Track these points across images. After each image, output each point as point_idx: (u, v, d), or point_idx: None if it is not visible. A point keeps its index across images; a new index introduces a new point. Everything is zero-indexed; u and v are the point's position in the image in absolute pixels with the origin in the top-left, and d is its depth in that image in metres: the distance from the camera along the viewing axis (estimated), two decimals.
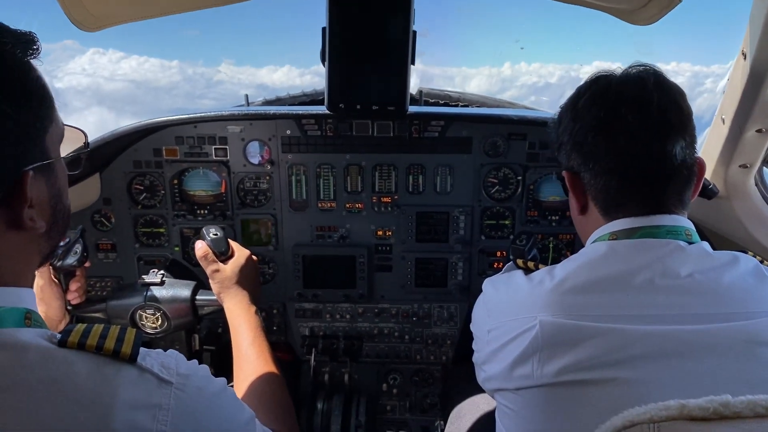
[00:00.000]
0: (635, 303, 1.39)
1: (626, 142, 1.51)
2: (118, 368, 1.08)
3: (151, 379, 1.11)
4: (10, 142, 1.06)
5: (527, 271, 1.69)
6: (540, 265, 1.70)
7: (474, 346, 1.78)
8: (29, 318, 1.13)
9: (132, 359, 1.10)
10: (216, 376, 1.32)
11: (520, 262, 1.77)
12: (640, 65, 1.57)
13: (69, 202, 1.31)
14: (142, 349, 1.13)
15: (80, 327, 1.11)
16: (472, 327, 1.80)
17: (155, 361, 1.15)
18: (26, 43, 1.11)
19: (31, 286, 1.24)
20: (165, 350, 1.25)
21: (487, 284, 1.76)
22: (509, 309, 1.56)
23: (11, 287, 1.13)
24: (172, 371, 1.16)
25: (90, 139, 1.60)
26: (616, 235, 1.56)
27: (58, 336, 1.09)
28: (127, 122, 2.74)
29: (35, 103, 1.13)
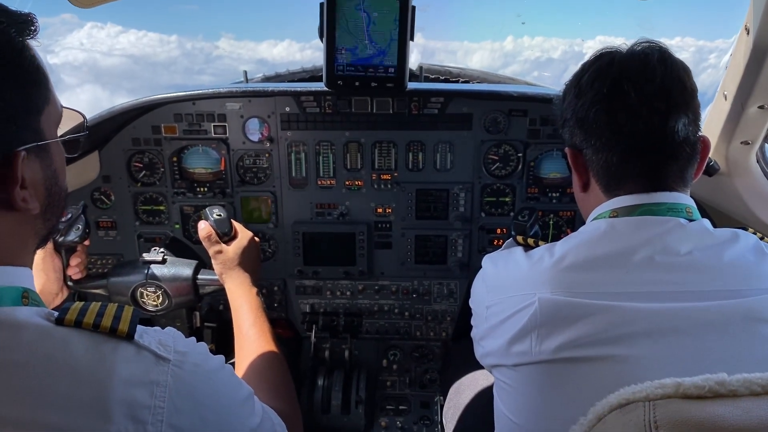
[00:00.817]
0: (635, 280, 1.39)
1: (628, 117, 1.50)
2: (115, 345, 1.09)
3: (149, 357, 1.12)
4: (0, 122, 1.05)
5: (527, 247, 1.69)
6: (540, 242, 1.70)
7: (473, 321, 1.79)
8: (26, 297, 1.14)
9: (129, 337, 1.11)
10: (217, 353, 1.33)
11: (519, 238, 1.78)
12: (645, 41, 1.56)
13: (66, 185, 1.30)
14: (139, 327, 1.14)
15: (77, 305, 1.12)
16: (471, 303, 1.81)
17: (153, 339, 1.16)
18: (23, 23, 1.11)
19: (29, 266, 1.24)
20: (165, 327, 1.26)
21: (487, 260, 1.77)
22: (508, 285, 1.57)
23: (7, 266, 1.13)
24: (170, 348, 1.17)
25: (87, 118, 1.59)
26: (616, 213, 1.55)
27: (55, 314, 1.10)
28: (121, 100, 2.72)
29: (28, 84, 1.12)
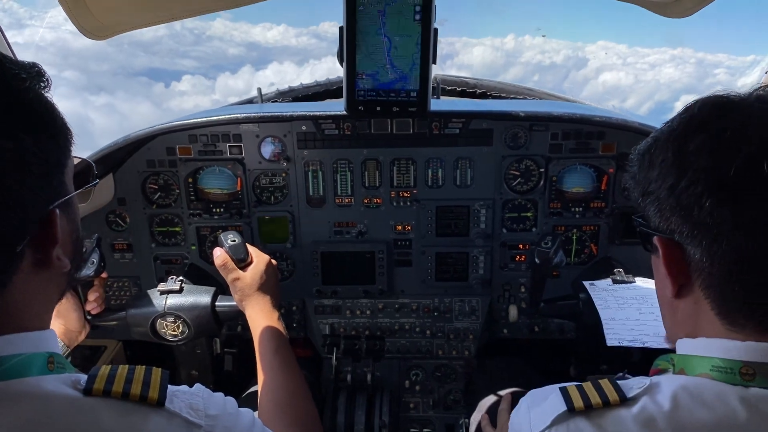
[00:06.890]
0: None
1: None
2: (145, 415, 1.08)
3: (180, 424, 1.11)
4: (36, 180, 1.02)
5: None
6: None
7: None
8: (52, 362, 1.11)
9: (160, 403, 1.09)
10: (237, 379, 1.31)
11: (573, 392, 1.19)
12: None
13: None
14: (169, 389, 1.13)
15: (104, 371, 1.10)
16: None
17: (183, 403, 1.14)
18: (37, 75, 1.07)
19: (49, 326, 1.21)
20: (186, 357, 1.24)
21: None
22: None
23: (35, 332, 1.11)
24: (201, 413, 1.16)
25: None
26: (751, 369, 1.06)
27: (83, 381, 1.07)
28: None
29: (60, 140, 1.09)
